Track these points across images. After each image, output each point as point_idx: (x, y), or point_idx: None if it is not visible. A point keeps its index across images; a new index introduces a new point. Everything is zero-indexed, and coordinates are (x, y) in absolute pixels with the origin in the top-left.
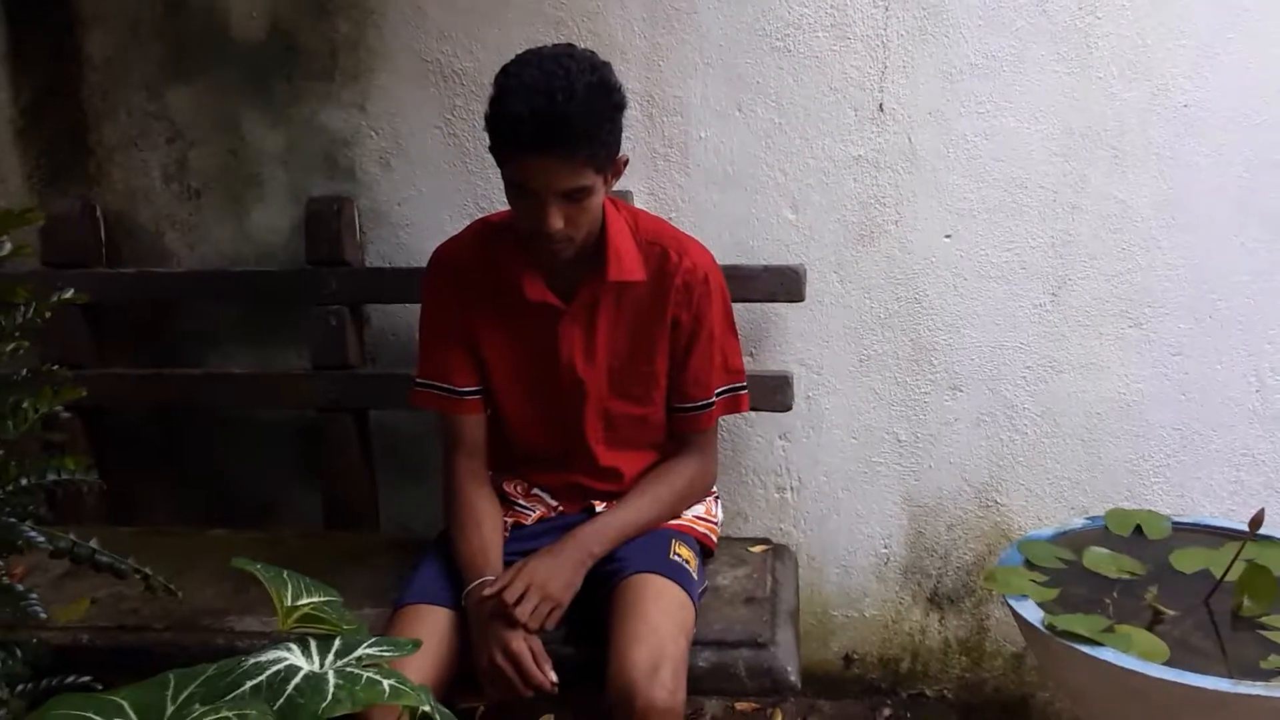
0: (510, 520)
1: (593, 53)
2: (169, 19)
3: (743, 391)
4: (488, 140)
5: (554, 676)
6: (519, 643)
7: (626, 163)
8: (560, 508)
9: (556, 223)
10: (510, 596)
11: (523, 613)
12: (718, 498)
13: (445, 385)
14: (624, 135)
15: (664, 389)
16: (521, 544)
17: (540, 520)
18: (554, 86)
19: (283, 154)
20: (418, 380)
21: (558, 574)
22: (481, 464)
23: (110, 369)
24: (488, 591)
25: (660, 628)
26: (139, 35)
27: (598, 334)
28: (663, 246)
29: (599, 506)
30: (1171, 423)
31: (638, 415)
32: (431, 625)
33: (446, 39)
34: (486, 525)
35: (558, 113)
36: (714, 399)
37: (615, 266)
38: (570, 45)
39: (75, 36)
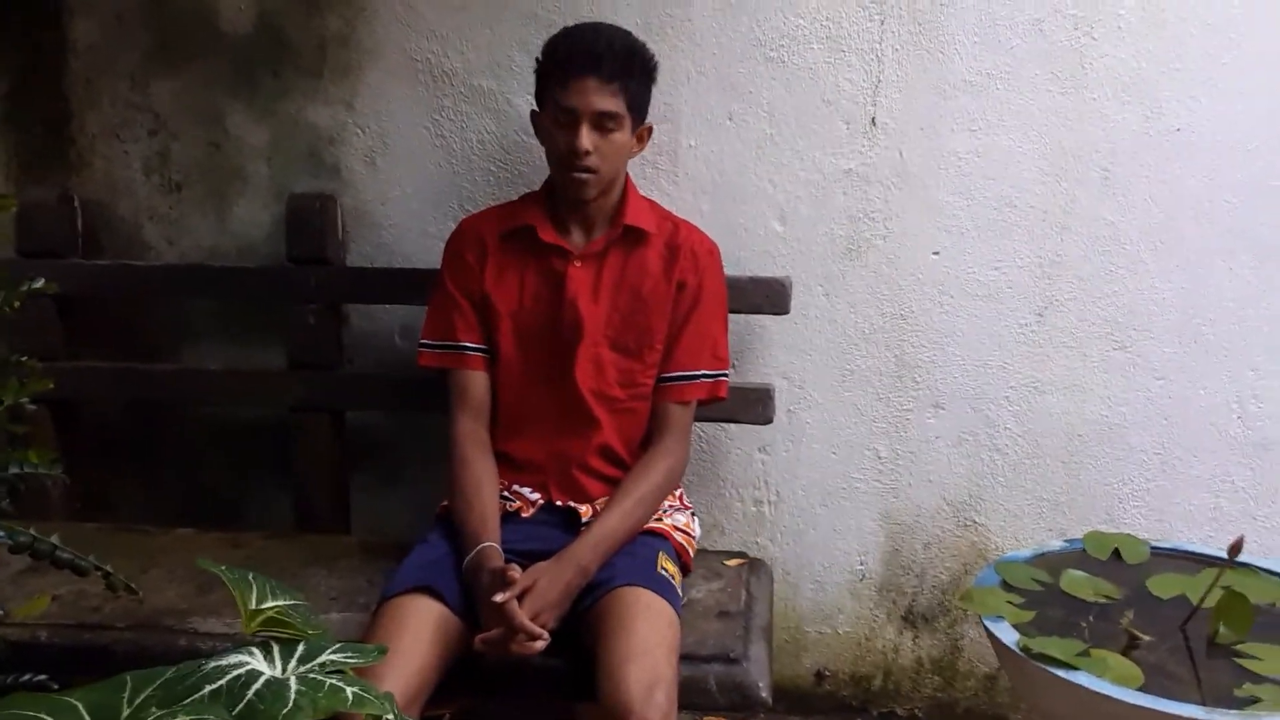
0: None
1: None
2: (155, 8)
3: (723, 379)
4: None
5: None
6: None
7: (651, 131)
8: (541, 500)
9: (587, 142)
10: (519, 623)
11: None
12: (695, 514)
13: (450, 342)
14: None
15: (657, 351)
16: (508, 533)
17: (520, 513)
18: (600, 33)
19: (267, 149)
20: (422, 341)
21: (556, 598)
22: (484, 427)
23: (83, 362)
24: (499, 598)
25: (654, 647)
26: (124, 23)
27: (604, 279)
28: (675, 224)
29: (584, 515)
30: (1153, 447)
31: (625, 368)
32: (420, 619)
33: (437, 38)
34: (486, 490)
35: (602, 45)
36: (698, 374)
37: (632, 213)
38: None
39: (59, 23)
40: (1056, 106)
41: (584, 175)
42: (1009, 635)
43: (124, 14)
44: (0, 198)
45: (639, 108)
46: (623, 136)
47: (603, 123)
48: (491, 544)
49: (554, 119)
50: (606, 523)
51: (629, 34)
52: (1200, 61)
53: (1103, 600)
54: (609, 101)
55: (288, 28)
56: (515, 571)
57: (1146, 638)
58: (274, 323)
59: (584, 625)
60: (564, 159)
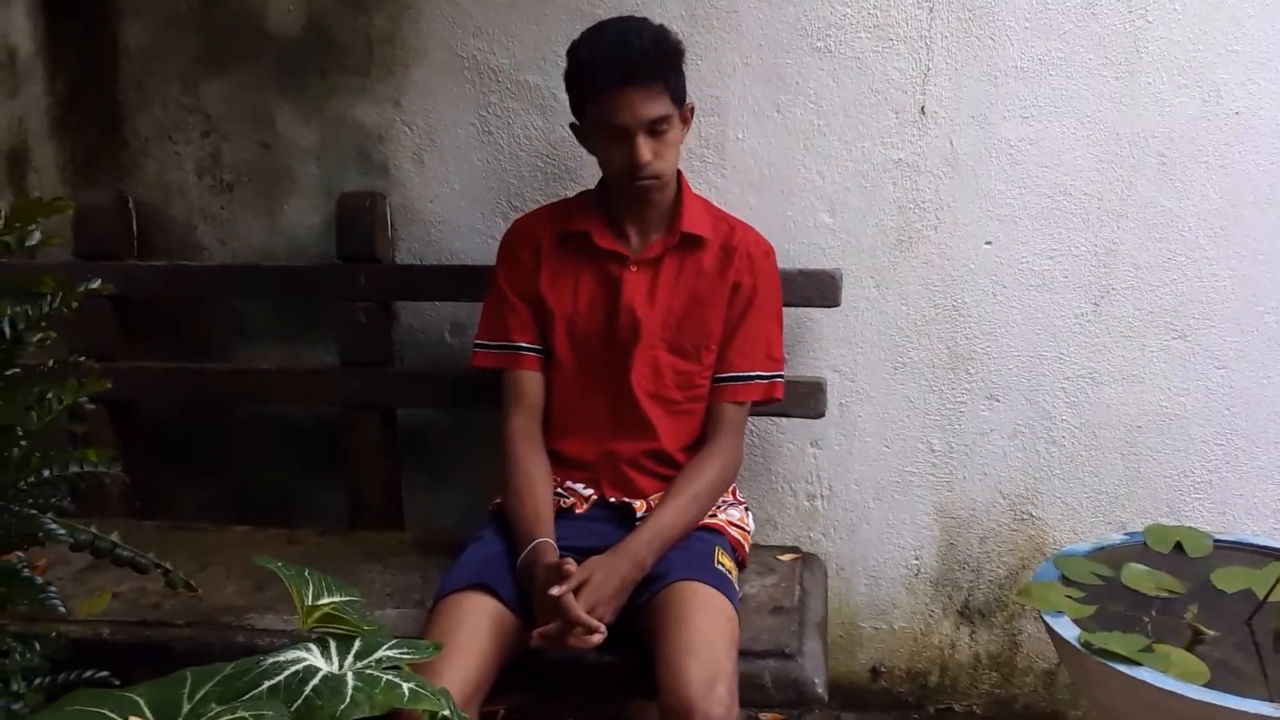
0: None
1: None
2: (205, 11)
3: (779, 380)
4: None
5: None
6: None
7: (694, 110)
8: (594, 496)
9: (647, 154)
10: (575, 615)
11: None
12: (748, 508)
13: (504, 342)
14: None
15: (713, 353)
16: (562, 529)
17: (574, 509)
18: (628, 33)
19: (316, 149)
20: (477, 342)
21: (612, 592)
22: (537, 426)
23: (139, 362)
24: (555, 591)
25: (713, 641)
26: (175, 27)
27: (660, 283)
28: (730, 225)
29: (638, 510)
30: (1214, 438)
31: (683, 370)
32: (476, 616)
33: (483, 35)
34: (539, 487)
35: (635, 50)
36: (753, 375)
37: (688, 219)
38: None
39: (111, 27)
40: (1111, 91)
41: (649, 183)
42: (1069, 630)
43: (174, 17)
44: (57, 200)
45: (681, 96)
46: (675, 132)
47: (655, 128)
48: (546, 540)
49: (604, 135)
50: (662, 518)
51: (645, 22)
52: (1259, 42)
53: (1165, 594)
54: (656, 106)
55: (334, 28)
56: (571, 565)
57: (1211, 633)
58: (325, 321)
59: (641, 620)
60: (625, 173)
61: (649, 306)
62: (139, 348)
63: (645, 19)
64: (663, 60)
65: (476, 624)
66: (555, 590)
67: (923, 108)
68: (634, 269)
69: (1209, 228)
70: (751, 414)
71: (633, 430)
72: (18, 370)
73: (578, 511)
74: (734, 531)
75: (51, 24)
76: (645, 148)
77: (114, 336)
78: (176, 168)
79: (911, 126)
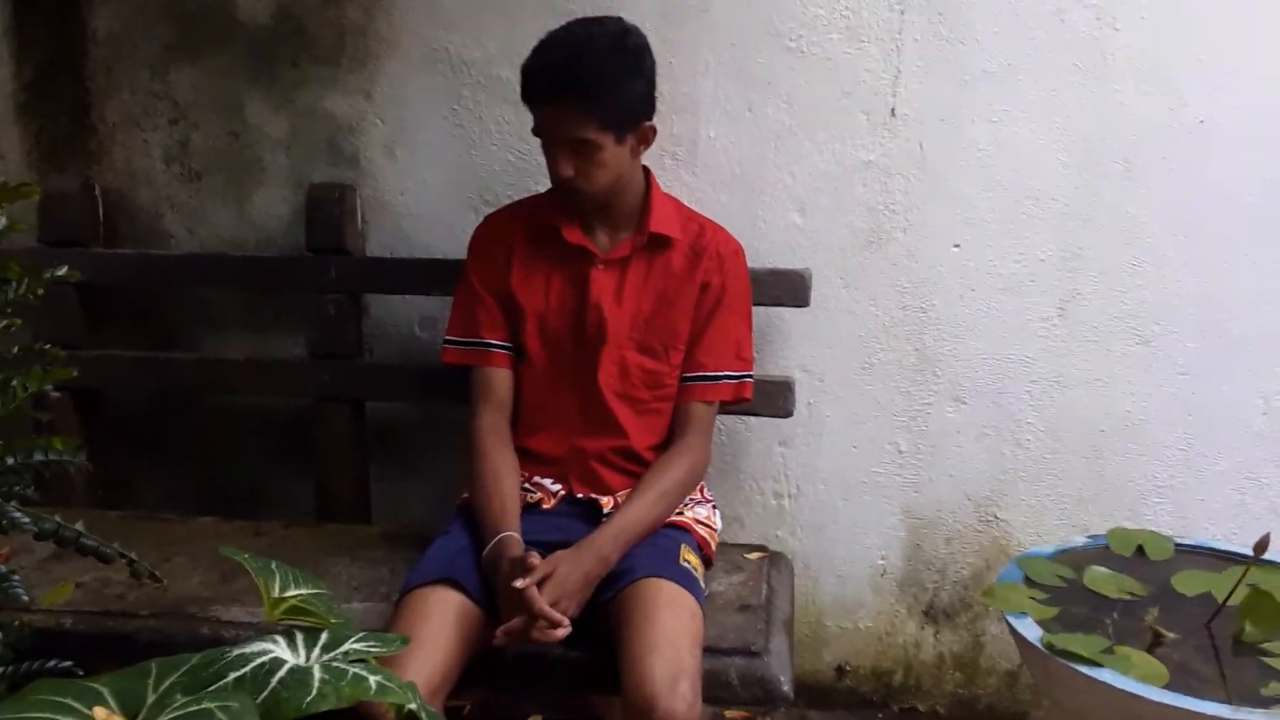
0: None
1: (634, 26)
2: None
3: (748, 380)
4: (499, 126)
5: (566, 621)
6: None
7: (654, 132)
8: (562, 491)
9: (565, 170)
10: (539, 609)
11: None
12: (716, 506)
13: (474, 339)
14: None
15: (681, 352)
16: (529, 524)
17: (541, 504)
18: (566, 43)
19: (286, 139)
20: (447, 338)
21: (576, 586)
22: (505, 422)
23: (104, 350)
24: (519, 584)
25: (677, 638)
26: (145, 13)
27: (627, 283)
28: (700, 224)
29: (605, 506)
30: (1176, 443)
31: (651, 369)
32: (442, 610)
33: (456, 28)
34: (506, 481)
35: (556, 65)
36: (722, 374)
37: (656, 219)
38: (618, 18)
39: (80, 12)
40: (1078, 97)
41: (570, 196)
42: (1032, 631)
43: (145, 4)
44: (23, 186)
45: (622, 119)
46: (607, 154)
47: (578, 148)
48: (511, 533)
49: (539, 138)
50: (628, 514)
51: (608, 38)
52: (1224, 52)
53: (1127, 597)
54: (578, 128)
55: (306, 17)
56: (535, 558)
57: (1171, 635)
58: (294, 312)
59: (605, 616)
60: (552, 181)
61: (616, 306)
62: (105, 336)
63: (619, 27)
64: (595, 84)
65: (442, 617)
66: (519, 582)
67: (893, 110)
68: (601, 268)
69: (1172, 234)
70: (720, 413)
71: (601, 428)
72: None
73: (545, 507)
74: (701, 529)
75: (19, 7)
76: (565, 164)
77: (80, 324)
78: (144, 155)
79: (882, 128)
